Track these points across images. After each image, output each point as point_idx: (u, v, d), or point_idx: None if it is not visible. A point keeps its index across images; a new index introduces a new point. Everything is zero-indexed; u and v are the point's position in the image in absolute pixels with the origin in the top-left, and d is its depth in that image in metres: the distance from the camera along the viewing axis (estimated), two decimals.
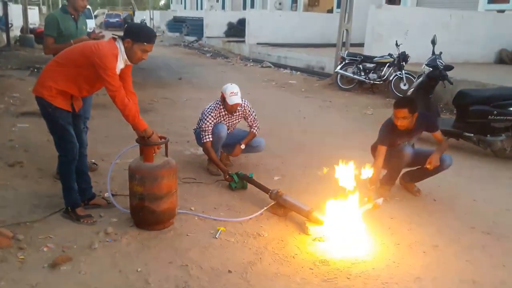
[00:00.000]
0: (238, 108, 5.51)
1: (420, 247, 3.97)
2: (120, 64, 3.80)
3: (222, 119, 5.47)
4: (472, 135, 6.71)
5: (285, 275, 3.44)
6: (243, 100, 5.55)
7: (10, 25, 21.05)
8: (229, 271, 3.43)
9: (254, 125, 5.72)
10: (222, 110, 5.44)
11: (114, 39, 3.81)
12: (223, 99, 5.39)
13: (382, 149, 4.90)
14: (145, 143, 3.88)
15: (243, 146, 5.66)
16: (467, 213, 4.74)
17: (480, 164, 6.41)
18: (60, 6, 5.20)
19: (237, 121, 5.69)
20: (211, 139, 5.33)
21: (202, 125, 5.34)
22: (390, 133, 4.95)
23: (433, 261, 3.75)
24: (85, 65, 3.72)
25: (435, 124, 5.14)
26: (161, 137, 3.98)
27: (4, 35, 20.32)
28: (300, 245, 3.91)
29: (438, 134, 5.10)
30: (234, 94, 5.31)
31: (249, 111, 5.66)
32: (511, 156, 6.56)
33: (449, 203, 5.00)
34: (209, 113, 5.39)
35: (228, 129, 5.55)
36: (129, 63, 3.90)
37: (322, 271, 3.51)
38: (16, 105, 8.69)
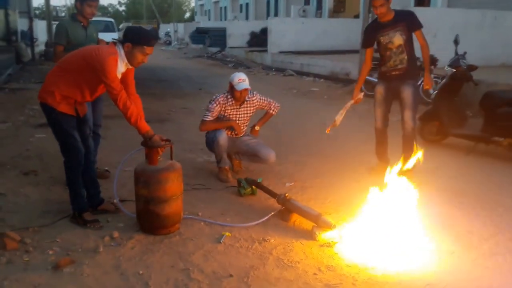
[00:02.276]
0: (247, 99, 5.53)
1: (436, 253, 3.84)
2: (121, 68, 3.86)
3: (229, 108, 5.50)
4: (503, 139, 6.36)
5: (288, 279, 3.41)
6: (254, 92, 5.57)
7: (35, 40, 21.54)
8: (230, 275, 3.42)
9: (272, 106, 5.75)
10: (230, 99, 5.47)
11: (114, 43, 3.87)
12: (231, 88, 5.43)
13: (368, 52, 5.73)
14: (148, 145, 3.91)
15: (257, 128, 5.76)
16: (493, 220, 4.51)
17: (509, 171, 6.07)
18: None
19: (246, 114, 5.66)
20: (211, 118, 5.42)
21: (209, 105, 5.43)
22: (371, 31, 5.62)
23: (447, 268, 3.61)
24: (87, 70, 3.79)
25: (417, 19, 5.48)
26: (166, 140, 4.01)
27: (29, 50, 20.77)
28: (307, 250, 3.86)
29: (420, 34, 5.43)
30: (242, 80, 5.35)
31: (261, 98, 5.68)
32: None
33: (473, 209, 4.78)
34: (218, 98, 5.48)
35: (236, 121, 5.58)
36: (130, 66, 3.95)
37: (326, 277, 3.46)
38: (36, 116, 8.86)
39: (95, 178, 4.45)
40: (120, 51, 3.85)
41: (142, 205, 3.95)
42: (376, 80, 11.71)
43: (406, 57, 5.51)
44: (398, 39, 5.45)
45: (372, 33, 5.61)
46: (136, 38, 3.84)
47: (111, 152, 6.23)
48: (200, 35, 35.59)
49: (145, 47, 3.85)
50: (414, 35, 5.57)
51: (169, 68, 21.24)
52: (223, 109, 5.48)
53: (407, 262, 3.67)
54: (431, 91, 10.55)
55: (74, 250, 3.71)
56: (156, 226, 3.97)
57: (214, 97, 5.56)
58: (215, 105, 5.44)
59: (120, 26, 38.08)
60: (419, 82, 5.85)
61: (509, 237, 4.14)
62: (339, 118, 5.80)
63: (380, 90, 5.79)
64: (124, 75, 3.99)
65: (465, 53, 7.37)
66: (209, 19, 51.06)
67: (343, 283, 3.38)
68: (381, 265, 3.61)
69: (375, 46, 5.72)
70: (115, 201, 4.52)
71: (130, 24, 42.42)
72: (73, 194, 4.17)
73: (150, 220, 3.95)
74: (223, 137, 5.40)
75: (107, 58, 3.75)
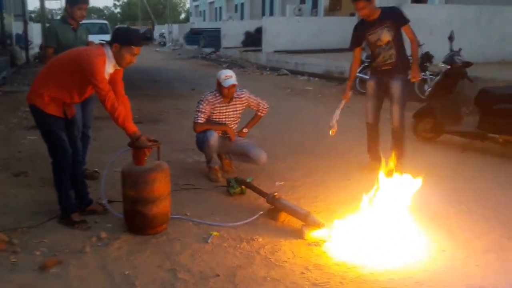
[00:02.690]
0: (235, 96, 5.53)
1: (426, 251, 3.82)
2: (109, 69, 3.86)
3: (218, 105, 5.49)
4: (498, 136, 6.30)
5: (275, 279, 3.40)
6: (243, 89, 5.57)
7: (29, 43, 21.54)
8: (217, 275, 3.41)
9: (261, 107, 5.74)
10: (219, 97, 5.47)
11: (103, 44, 3.87)
12: (218, 85, 5.44)
13: (356, 51, 5.79)
14: (135, 146, 3.91)
15: (245, 130, 5.77)
16: (485, 217, 4.48)
17: (504, 168, 6.04)
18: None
19: (235, 111, 5.65)
20: (203, 120, 5.42)
21: (199, 106, 5.42)
22: (358, 30, 5.68)
23: (438, 266, 3.59)
24: (75, 71, 3.80)
25: (403, 15, 5.52)
26: (153, 141, 4.01)
27: (24, 53, 20.76)
28: (295, 249, 3.85)
29: (408, 28, 5.48)
30: (229, 77, 5.36)
31: (250, 96, 5.68)
32: None
33: (466, 207, 4.75)
34: (206, 97, 5.48)
35: (226, 121, 5.58)
36: (118, 67, 3.95)
37: (314, 275, 3.45)
38: (28, 119, 8.82)
39: (83, 179, 4.45)
40: (108, 52, 3.86)
41: (129, 205, 3.95)
42: (366, 76, 11.75)
43: (395, 52, 5.55)
44: (386, 35, 5.49)
45: (360, 32, 5.67)
46: (124, 39, 3.85)
47: (102, 153, 6.21)
48: (194, 35, 35.61)
49: (133, 47, 3.85)
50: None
51: (163, 69, 21.24)
52: (212, 107, 5.47)
53: (397, 260, 3.65)
54: (425, 87, 10.60)
55: (61, 251, 3.70)
56: (144, 227, 3.96)
57: (203, 96, 5.55)
58: (204, 104, 5.43)
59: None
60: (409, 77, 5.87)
61: (501, 234, 4.12)
62: (335, 121, 5.86)
63: (371, 84, 5.83)
64: (113, 76, 4.00)
65: (460, 49, 7.29)
66: (204, 20, 51.07)
67: (330, 282, 3.37)
68: (370, 264, 3.60)
69: (363, 45, 5.76)
70: (103, 201, 4.52)
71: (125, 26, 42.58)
72: (60, 195, 4.17)
73: (137, 220, 3.95)
74: (214, 137, 5.40)
75: (95, 59, 3.76)
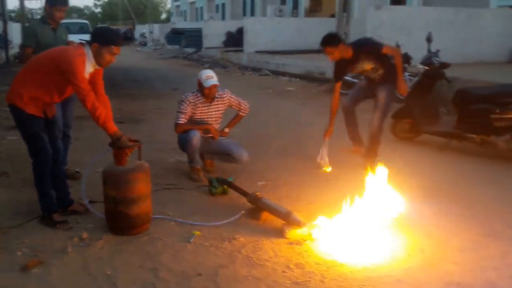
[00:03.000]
0: (217, 96, 5.54)
1: (405, 250, 3.87)
2: (89, 68, 3.86)
3: (200, 105, 5.49)
4: (475, 136, 6.38)
5: (256, 277, 3.42)
6: (224, 89, 5.58)
7: (9, 43, 21.27)
8: (199, 274, 3.42)
9: (242, 107, 5.77)
10: (200, 97, 5.48)
11: (82, 44, 3.86)
12: (199, 85, 5.45)
13: (336, 85, 5.85)
14: (116, 146, 3.90)
15: (227, 130, 5.80)
16: (463, 216, 4.56)
17: (484, 167, 6.14)
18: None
19: (217, 111, 5.65)
20: (184, 121, 5.41)
21: (180, 106, 5.41)
22: (341, 67, 5.78)
23: (417, 264, 3.64)
24: (54, 71, 3.78)
25: (374, 44, 5.65)
26: (134, 141, 4.01)
27: (3, 53, 20.50)
28: (276, 248, 3.88)
29: (387, 49, 5.63)
30: (210, 77, 5.38)
31: (231, 96, 5.70)
32: None
33: (445, 205, 4.81)
34: (186, 97, 5.47)
35: (208, 121, 5.59)
36: (98, 67, 3.94)
37: (295, 274, 3.48)
38: (9, 118, 8.70)
39: (64, 179, 4.43)
40: (88, 52, 3.85)
41: (110, 205, 3.94)
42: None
43: (383, 71, 5.72)
44: (368, 64, 5.67)
45: (342, 69, 5.81)
46: (103, 38, 3.85)
47: (84, 153, 6.18)
48: (176, 35, 35.43)
49: (112, 46, 3.85)
50: None
51: (144, 69, 21.12)
52: (194, 107, 5.48)
53: (376, 258, 3.70)
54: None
55: (42, 251, 3.69)
56: (125, 227, 3.96)
57: (184, 96, 5.55)
58: (185, 105, 5.43)
59: None
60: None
61: (479, 232, 4.19)
62: (324, 159, 5.95)
63: (364, 81, 6.05)
64: (93, 75, 3.99)
65: (438, 51, 7.40)
66: (185, 20, 50.86)
67: (311, 281, 3.40)
68: (350, 262, 3.64)
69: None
70: (84, 202, 4.51)
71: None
72: (41, 195, 4.15)
73: (119, 220, 3.95)
74: (197, 137, 5.40)
75: (74, 58, 3.75)
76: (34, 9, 41.31)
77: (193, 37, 31.37)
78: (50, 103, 4.08)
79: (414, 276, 3.46)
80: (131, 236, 3.97)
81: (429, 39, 7.31)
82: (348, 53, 5.58)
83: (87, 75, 3.86)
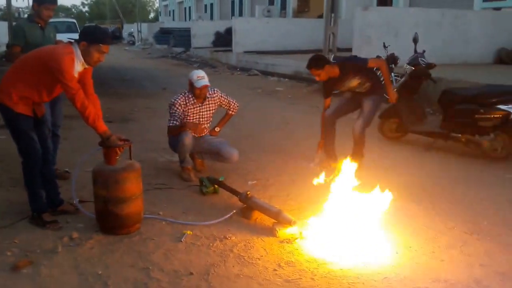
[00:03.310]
0: (208, 96, 5.52)
1: (393, 247, 3.92)
2: (78, 67, 3.83)
3: (191, 107, 5.47)
4: (460, 135, 6.51)
5: (248, 276, 3.44)
6: (214, 89, 5.57)
7: None
8: (191, 273, 3.43)
9: (231, 106, 5.77)
10: (191, 97, 5.45)
11: (71, 43, 3.85)
12: (191, 85, 5.44)
13: (325, 101, 6.01)
14: (106, 145, 3.89)
15: (217, 129, 5.79)
16: (449, 214, 4.63)
17: (466, 166, 6.24)
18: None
19: (208, 111, 5.65)
20: (176, 124, 5.36)
21: (170, 111, 5.36)
22: (326, 87, 5.93)
23: (405, 261, 3.69)
24: (43, 70, 3.76)
25: (359, 62, 5.73)
26: (124, 140, 4.00)
27: None
28: (267, 247, 3.90)
29: (372, 63, 5.70)
30: (201, 78, 5.36)
31: (221, 95, 5.68)
32: (502, 157, 6.32)
33: (431, 204, 4.90)
34: (176, 99, 5.42)
35: (199, 121, 5.58)
36: (87, 66, 3.92)
37: (286, 272, 3.50)
38: None
39: (53, 179, 4.40)
40: (77, 50, 3.82)
41: (101, 205, 3.92)
42: None
43: (369, 84, 5.77)
44: (354, 81, 5.73)
45: (330, 87, 5.90)
46: (91, 37, 3.82)
47: (73, 152, 6.16)
48: (164, 35, 35.34)
49: (100, 45, 3.83)
50: None
51: (132, 68, 21.04)
52: (185, 109, 5.47)
53: (365, 257, 3.73)
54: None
55: (32, 251, 3.66)
56: (116, 226, 3.95)
57: (173, 100, 5.51)
58: (175, 108, 5.41)
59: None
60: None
61: (464, 230, 4.25)
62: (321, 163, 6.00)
63: (349, 94, 6.04)
64: (82, 74, 3.96)
65: (424, 51, 7.51)
66: (173, 20, 50.76)
67: (302, 278, 3.43)
68: (339, 260, 3.68)
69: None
70: (74, 202, 4.49)
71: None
72: (31, 195, 4.13)
73: (109, 220, 3.93)
74: (189, 137, 5.39)
75: (63, 57, 3.72)
76: (21, 8, 40.93)
77: (182, 37, 31.31)
78: (40, 102, 4.05)
79: (402, 274, 3.50)
80: (122, 236, 3.95)
81: (415, 40, 7.41)
82: (335, 72, 5.66)
83: (76, 74, 3.83)
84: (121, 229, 3.96)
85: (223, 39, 27.79)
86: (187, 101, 5.45)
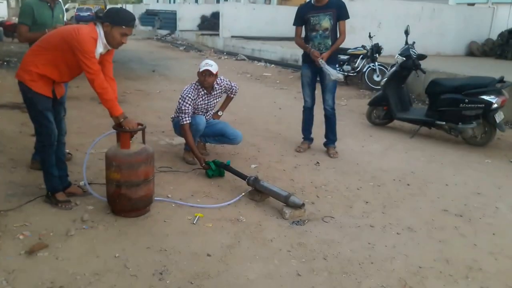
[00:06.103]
0: (216, 86, 5.47)
1: (394, 228, 4.09)
2: (100, 48, 3.77)
3: (201, 99, 5.40)
4: (444, 123, 6.90)
5: (263, 257, 3.48)
6: (221, 77, 5.54)
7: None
8: (208, 255, 3.45)
9: (233, 90, 5.73)
10: (201, 89, 5.39)
11: (95, 23, 3.78)
12: (198, 73, 5.36)
13: (298, 29, 6.08)
14: (122, 129, 3.85)
15: (220, 113, 5.77)
16: (439, 197, 4.90)
17: (451, 151, 6.59)
18: None
19: (216, 100, 5.61)
20: (189, 121, 5.25)
21: (182, 106, 5.24)
22: (303, 10, 5.90)
23: (407, 242, 3.86)
24: (65, 49, 3.70)
25: (346, 10, 5.80)
26: (138, 124, 3.96)
27: None
28: (278, 229, 3.95)
29: (344, 24, 5.79)
30: (207, 64, 5.28)
31: (224, 79, 5.63)
32: (482, 143, 6.78)
33: (422, 188, 5.14)
34: (187, 94, 5.29)
35: (207, 112, 5.57)
36: (109, 47, 3.87)
37: (299, 253, 3.56)
38: None
39: (64, 160, 4.35)
40: (100, 32, 3.76)
41: (113, 188, 3.88)
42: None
43: (330, 43, 5.81)
44: (326, 22, 5.75)
45: (304, 12, 5.88)
46: (115, 18, 3.75)
47: (70, 134, 5.99)
48: (149, 16, 34.90)
49: (123, 27, 3.77)
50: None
51: (117, 49, 20.72)
52: (195, 102, 5.37)
53: (370, 238, 3.89)
54: (374, 76, 11.16)
55: (45, 234, 3.61)
56: (128, 209, 3.93)
57: (184, 93, 5.31)
58: (187, 104, 5.24)
59: (66, 6, 36.88)
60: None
61: (456, 212, 4.54)
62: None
63: (307, 73, 6.07)
64: (103, 57, 3.91)
65: (414, 43, 7.88)
66: (157, 1, 49.98)
67: (315, 259, 3.50)
68: (348, 241, 3.80)
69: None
70: (81, 183, 4.45)
71: (76, 5, 41.19)
72: (46, 174, 4.10)
73: (122, 203, 3.90)
74: (203, 122, 5.38)
75: (86, 37, 3.66)
76: None
77: (167, 19, 30.98)
78: (60, 83, 4.01)
79: (405, 253, 3.67)
80: (134, 218, 3.94)
81: (407, 32, 7.72)
82: (325, 1, 5.73)
83: (97, 56, 3.78)
84: (133, 211, 3.95)
85: (209, 23, 27.70)
86: (197, 93, 5.36)
